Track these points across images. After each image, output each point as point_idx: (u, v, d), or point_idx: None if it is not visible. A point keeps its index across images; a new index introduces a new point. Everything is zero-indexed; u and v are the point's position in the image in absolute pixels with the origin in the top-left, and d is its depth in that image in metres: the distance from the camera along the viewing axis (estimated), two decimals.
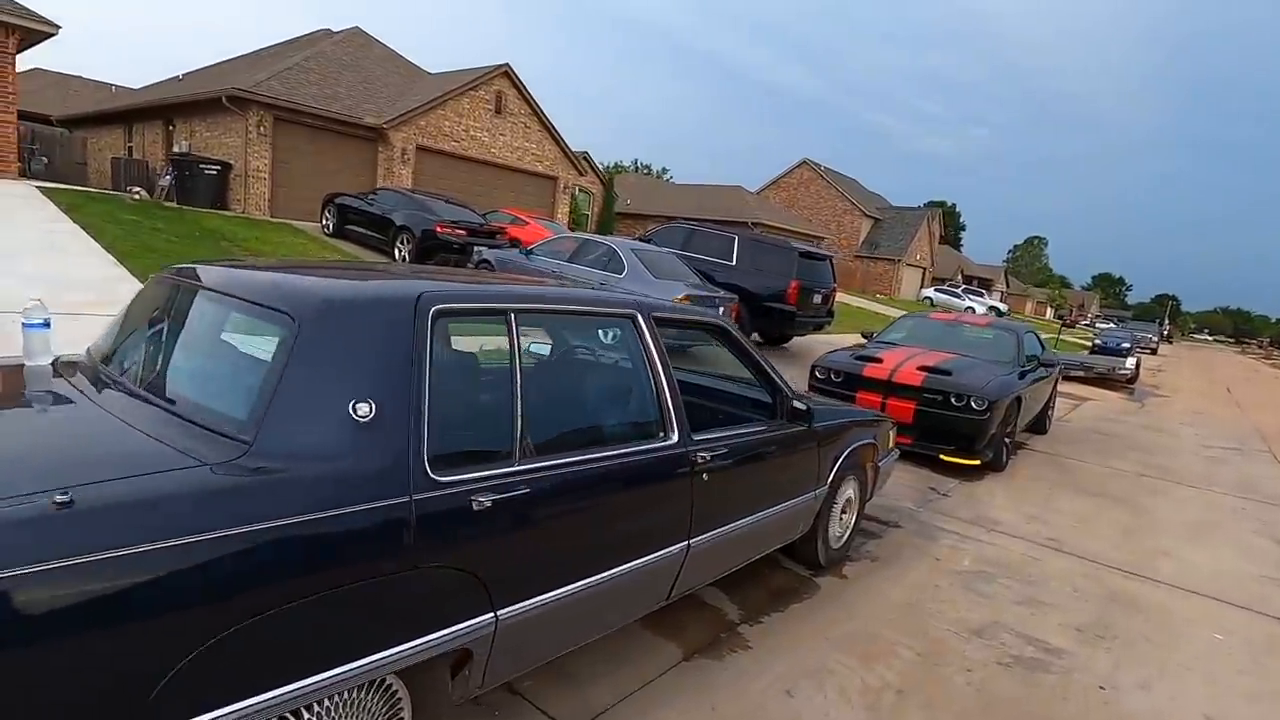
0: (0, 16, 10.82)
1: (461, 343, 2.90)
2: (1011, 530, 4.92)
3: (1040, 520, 5.24)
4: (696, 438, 2.55)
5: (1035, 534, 4.90)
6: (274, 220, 14.60)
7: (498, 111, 18.52)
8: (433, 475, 1.68)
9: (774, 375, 3.13)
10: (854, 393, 6.66)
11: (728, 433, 2.74)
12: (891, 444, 4.40)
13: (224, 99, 14.63)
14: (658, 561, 2.37)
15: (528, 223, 15.16)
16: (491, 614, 1.82)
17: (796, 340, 12.60)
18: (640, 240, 12.44)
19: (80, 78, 32.97)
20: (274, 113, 15.00)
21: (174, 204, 14.23)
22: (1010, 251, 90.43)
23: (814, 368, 7.10)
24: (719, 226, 12.32)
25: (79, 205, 10.39)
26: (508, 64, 18.29)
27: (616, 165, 55.88)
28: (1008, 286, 58.86)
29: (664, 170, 60.91)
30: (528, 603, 1.91)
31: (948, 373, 6.41)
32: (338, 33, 19.30)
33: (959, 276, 50.79)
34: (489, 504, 1.78)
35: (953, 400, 6.19)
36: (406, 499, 1.62)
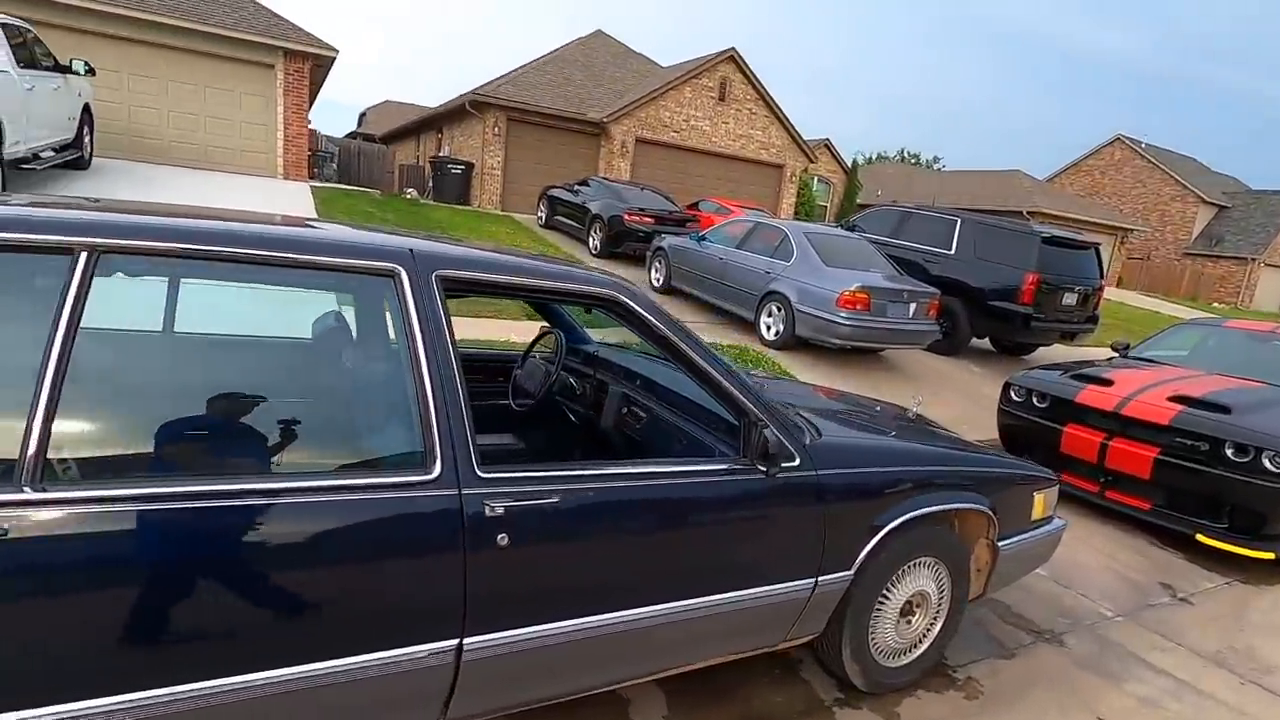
0: (294, 45, 13.10)
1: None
2: None
3: None
4: (492, 475, 1.58)
5: None
6: (500, 213, 15.74)
7: (721, 99, 17.83)
8: None
9: (732, 387, 1.96)
10: (1061, 425, 4.72)
11: (569, 472, 1.70)
12: (1042, 513, 2.78)
13: (467, 105, 16.15)
14: (374, 669, 1.48)
15: (732, 212, 14.26)
16: None
17: (1043, 352, 9.91)
18: (841, 225, 10.83)
19: (414, 104, 39.99)
20: (507, 114, 16.15)
21: (430, 200, 16.10)
22: None
23: (1008, 386, 5.22)
24: (942, 210, 10.17)
25: (332, 199, 12.11)
26: (733, 49, 17.46)
27: (879, 155, 51.59)
28: None
29: (935, 159, 54.59)
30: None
31: (1224, 408, 4.18)
32: (581, 38, 20.28)
33: None
34: None
35: (1227, 452, 3.99)
36: None
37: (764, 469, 1.91)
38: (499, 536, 1.57)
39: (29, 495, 1.20)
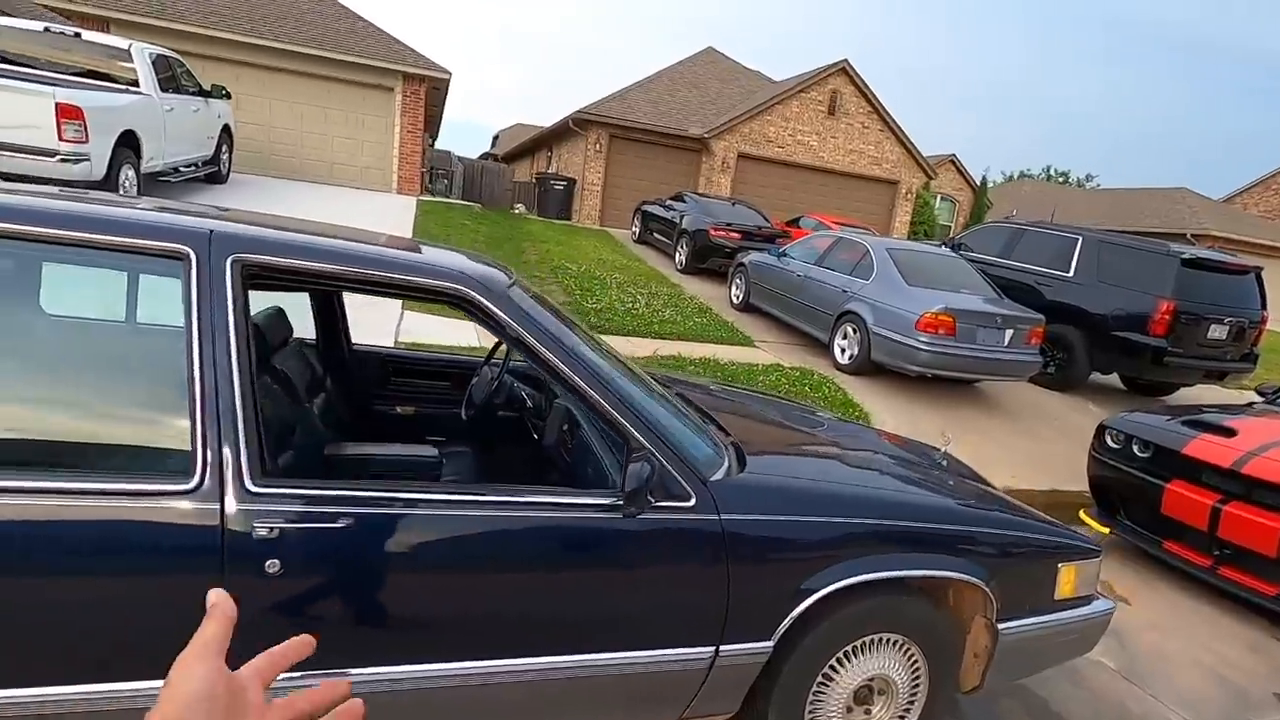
0: (411, 69, 13.97)
1: None
2: None
3: None
4: (268, 490, 1.37)
5: None
6: (596, 228, 15.90)
7: (830, 113, 17.08)
8: None
9: (607, 402, 1.64)
10: (1164, 481, 3.89)
11: (368, 493, 1.45)
12: (1072, 590, 2.20)
13: (571, 123, 16.52)
14: (110, 701, 1.30)
15: (832, 228, 13.54)
16: None
17: (1185, 393, 8.50)
18: (945, 244, 9.91)
19: (540, 126, 41.81)
20: (609, 130, 16.35)
21: (534, 215, 16.60)
22: None
23: (1103, 430, 4.42)
24: (1060, 226, 9.03)
25: (433, 211, 12.71)
26: (845, 61, 16.68)
27: (1021, 173, 47.69)
28: None
29: (1087, 177, 49.57)
30: None
31: None
32: (692, 55, 20.25)
33: None
34: None
35: None
36: None
37: (616, 508, 1.56)
38: (268, 562, 1.36)
39: None
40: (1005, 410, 7.08)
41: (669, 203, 13.35)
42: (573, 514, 1.57)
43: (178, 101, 9.18)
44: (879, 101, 17.25)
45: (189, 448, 1.35)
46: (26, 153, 6.77)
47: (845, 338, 7.22)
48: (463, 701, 1.54)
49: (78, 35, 8.54)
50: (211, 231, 1.46)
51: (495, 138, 45.60)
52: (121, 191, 7.88)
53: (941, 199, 23.06)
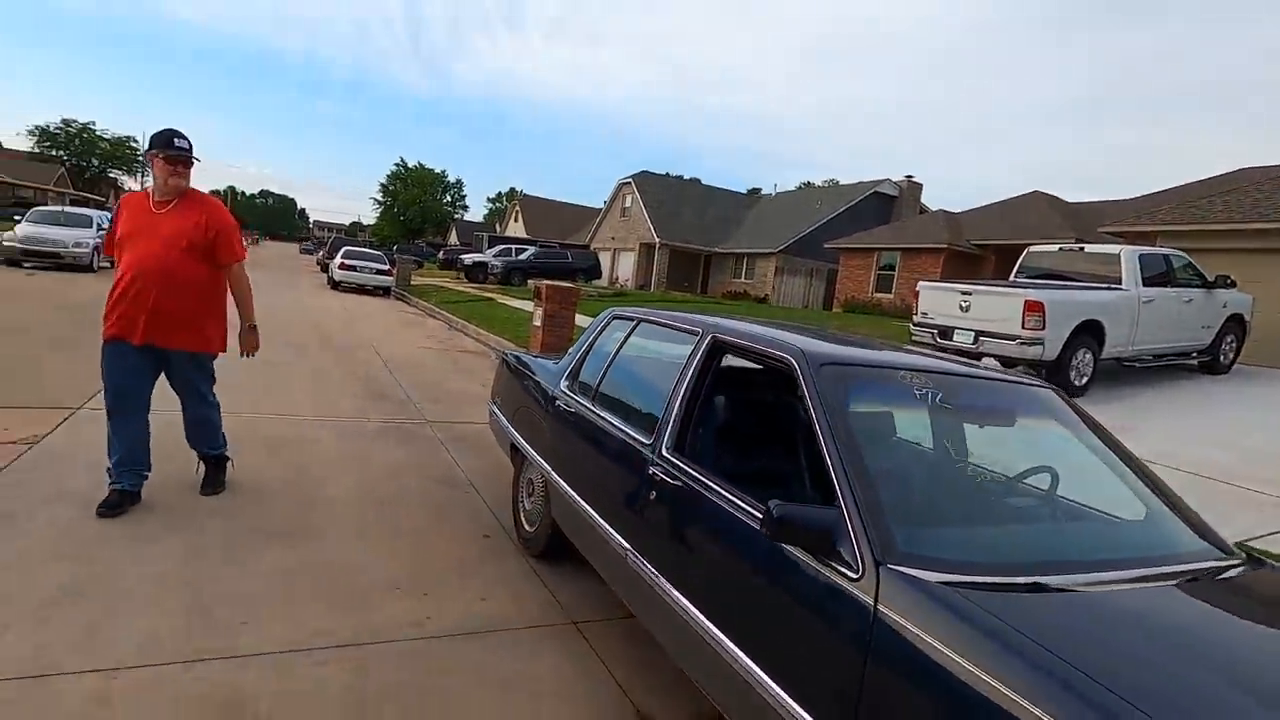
0: None
1: None
2: None
3: None
4: (665, 455, 2.45)
5: None
6: None
7: None
8: None
9: (834, 462, 1.82)
10: None
11: (684, 467, 2.23)
12: None
13: None
14: None
15: None
16: None
17: None
18: None
19: None
20: None
21: None
22: None
23: None
24: None
25: None
26: None
27: None
28: None
29: None
30: None
31: None
32: None
33: None
34: None
35: None
36: None
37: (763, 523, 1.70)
38: (650, 491, 2.40)
39: None
40: None
41: None
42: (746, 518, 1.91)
43: (1160, 294, 9.55)
44: None
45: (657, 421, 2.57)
46: (1001, 338, 8.89)
47: None
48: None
49: (1081, 249, 10.31)
50: (716, 325, 2.64)
51: None
52: (1073, 374, 8.97)
53: None
